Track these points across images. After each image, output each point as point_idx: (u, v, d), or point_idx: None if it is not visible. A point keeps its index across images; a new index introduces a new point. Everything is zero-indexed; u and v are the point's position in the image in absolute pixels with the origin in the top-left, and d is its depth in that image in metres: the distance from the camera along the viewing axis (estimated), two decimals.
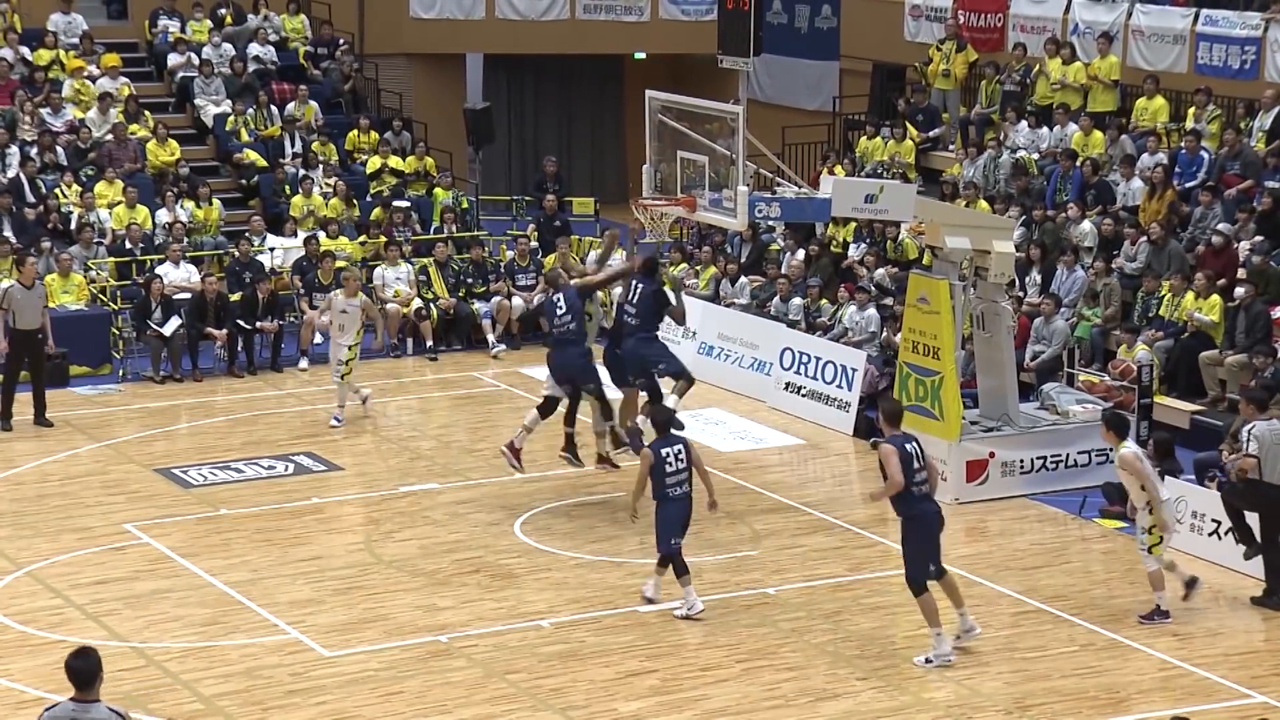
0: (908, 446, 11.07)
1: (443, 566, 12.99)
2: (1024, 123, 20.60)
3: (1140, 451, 11.93)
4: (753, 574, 12.87)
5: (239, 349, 18.69)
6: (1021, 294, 17.66)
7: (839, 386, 16.87)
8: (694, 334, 18.86)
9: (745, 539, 13.62)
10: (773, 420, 17.05)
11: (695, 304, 19.31)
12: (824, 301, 18.37)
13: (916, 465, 11.01)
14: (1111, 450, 12.27)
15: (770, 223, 19.56)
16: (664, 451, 11.72)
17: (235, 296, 18.87)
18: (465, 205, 22.30)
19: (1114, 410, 12.90)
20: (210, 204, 21.07)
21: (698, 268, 20.08)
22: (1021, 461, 14.72)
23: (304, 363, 18.95)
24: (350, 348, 16.33)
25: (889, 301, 17.99)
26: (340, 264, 19.78)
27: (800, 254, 19.53)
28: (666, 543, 11.86)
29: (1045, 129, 20.43)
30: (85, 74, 22.72)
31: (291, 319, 19.40)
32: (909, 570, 11.12)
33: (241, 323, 18.49)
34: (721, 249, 20.40)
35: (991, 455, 14.63)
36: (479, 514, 14.19)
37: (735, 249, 20.36)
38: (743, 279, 19.39)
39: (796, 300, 18.43)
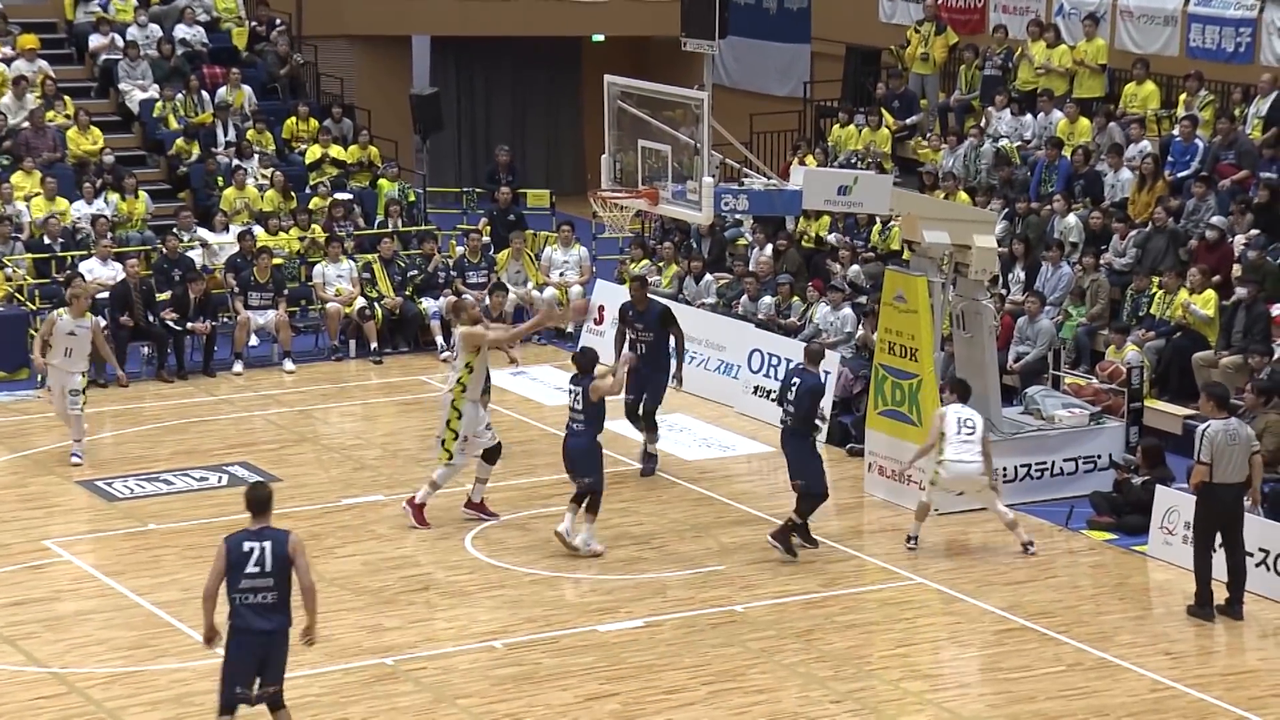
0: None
1: (389, 584, 12.96)
2: (1006, 110, 20.74)
3: (958, 415, 13.59)
4: (720, 590, 12.89)
5: (168, 351, 18.60)
6: (1004, 291, 17.77)
7: None
8: None
9: (712, 553, 13.64)
10: (741, 426, 17.09)
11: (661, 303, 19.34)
12: (795, 299, 18.43)
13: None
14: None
15: (738, 216, 19.61)
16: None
17: (164, 296, 18.77)
18: (412, 198, 22.26)
19: (959, 378, 14.22)
20: (136, 196, 20.96)
21: (660, 264, 20.11)
22: (1004, 470, 14.80)
23: (239, 366, 18.88)
24: (83, 374, 15.40)
25: (864, 300, 18.06)
26: (277, 261, 19.71)
27: (768, 249, 19.60)
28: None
29: (1029, 116, 20.56)
30: None
31: (225, 319, 19.31)
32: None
33: (171, 323, 18.38)
34: (685, 245, 20.43)
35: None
36: (427, 528, 14.16)
37: (697, 244, 20.40)
38: (708, 276, 19.43)
39: (766, 299, 18.49)
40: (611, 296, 19.96)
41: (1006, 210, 18.96)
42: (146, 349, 18.66)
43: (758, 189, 14.12)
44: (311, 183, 22.27)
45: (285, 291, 19.39)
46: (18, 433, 16.57)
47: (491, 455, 14.08)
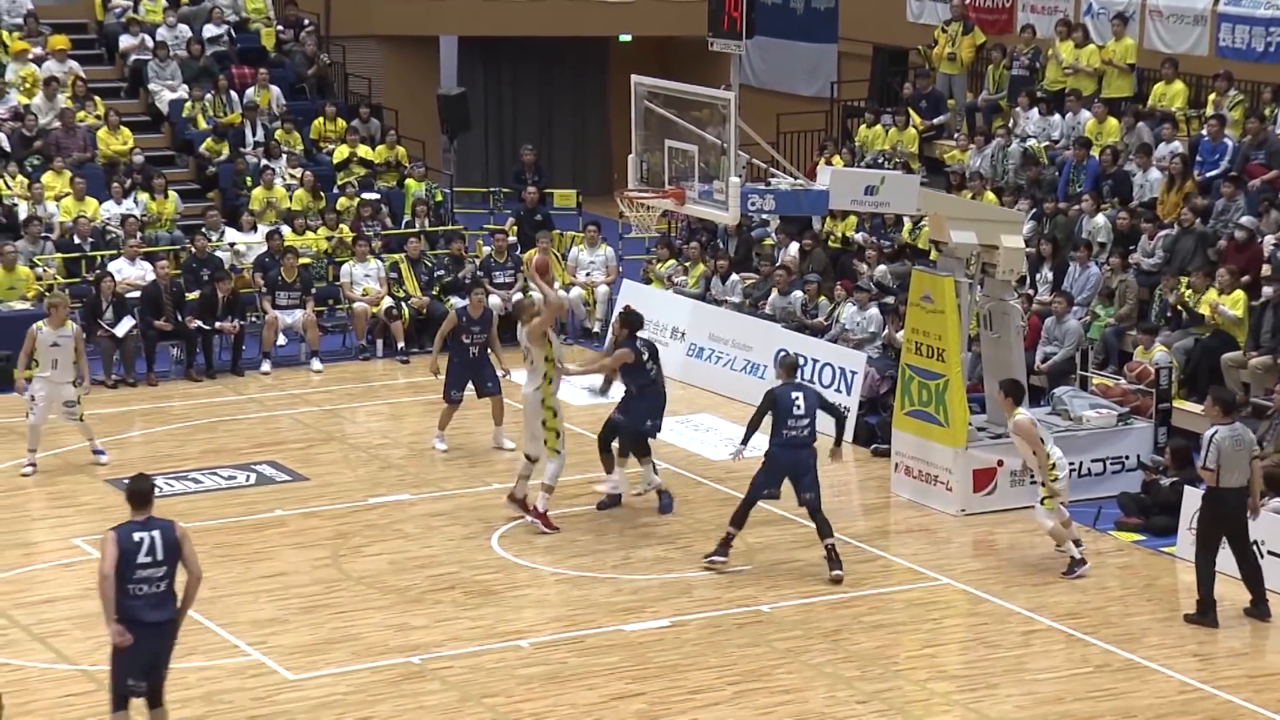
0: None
1: (415, 583, 13.00)
2: (1034, 109, 20.68)
3: (1034, 418, 13.00)
4: (746, 590, 12.89)
5: (197, 351, 18.69)
6: (1031, 292, 17.72)
7: (837, 390, 16.90)
8: (683, 335, 18.90)
9: (738, 553, 13.62)
10: (767, 425, 17.06)
11: (684, 303, 19.40)
12: (821, 299, 18.42)
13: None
14: (1007, 418, 13.24)
15: (764, 216, 19.61)
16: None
17: (192, 296, 18.86)
18: (439, 198, 22.31)
19: (1011, 379, 13.81)
20: (165, 196, 21.06)
21: (686, 264, 20.12)
22: (1032, 470, 14.74)
23: (267, 365, 18.94)
24: (75, 383, 15.14)
25: (890, 300, 18.04)
26: (304, 261, 19.79)
27: (793, 249, 19.58)
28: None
29: (1057, 116, 20.50)
30: (30, 57, 22.68)
31: (253, 319, 19.39)
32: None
33: (200, 323, 18.48)
34: (711, 245, 20.44)
35: (1000, 464, 14.67)
36: (454, 527, 14.20)
37: (724, 244, 20.41)
38: (734, 276, 19.44)
39: (797, 294, 18.46)
40: (637, 297, 19.96)
41: (1034, 210, 18.91)
42: (176, 349, 18.75)
43: (784, 189, 14.13)
44: (339, 183, 22.34)
45: (313, 291, 19.46)
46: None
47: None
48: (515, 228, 21.44)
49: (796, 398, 13.04)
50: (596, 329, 20.45)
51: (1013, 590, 12.91)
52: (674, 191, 14.07)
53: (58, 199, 20.72)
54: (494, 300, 19.59)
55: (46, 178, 20.95)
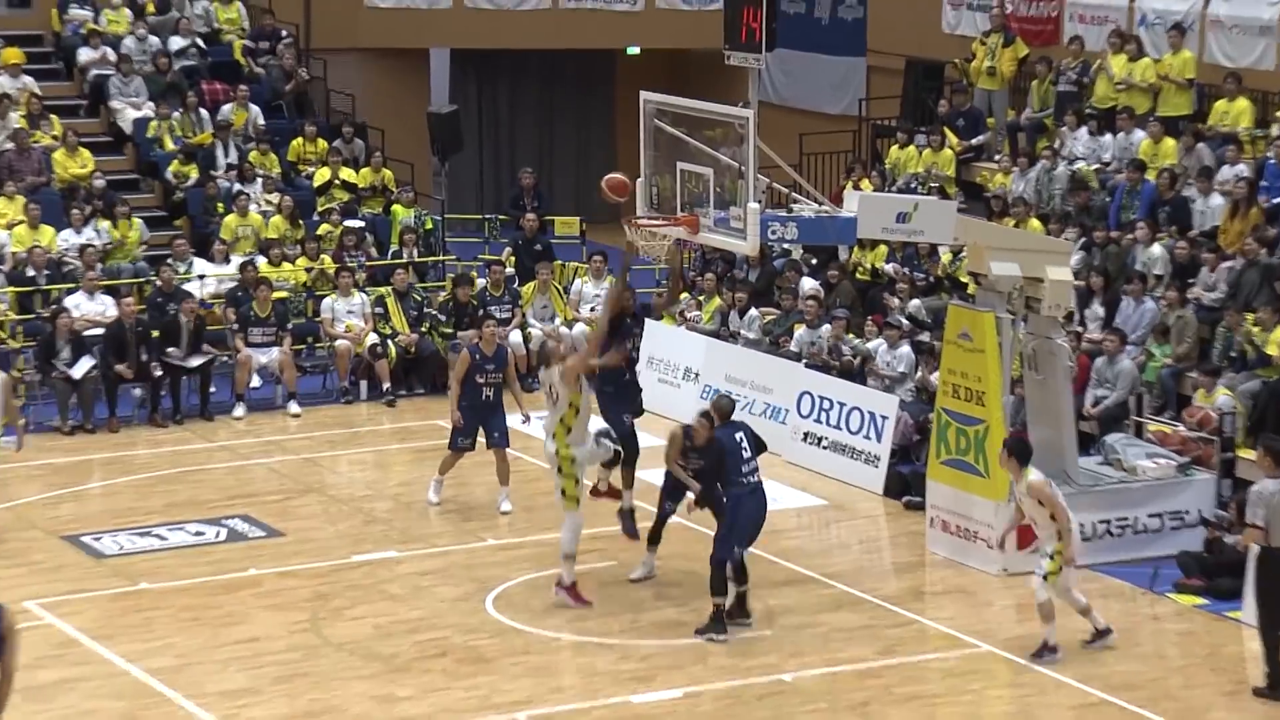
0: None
1: (402, 649, 12.99)
2: (1083, 129, 20.76)
3: (1047, 478, 12.76)
4: (766, 657, 12.88)
5: (162, 394, 18.73)
6: (1080, 329, 17.76)
7: (866, 437, 16.92)
8: (696, 376, 18.94)
9: (756, 616, 13.62)
10: (789, 477, 17.09)
11: (698, 341, 19.45)
12: (850, 335, 18.46)
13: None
14: (1015, 482, 12.95)
15: (786, 245, 19.66)
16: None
17: (157, 333, 18.90)
18: (429, 226, 22.41)
19: (1017, 436, 13.55)
20: (129, 223, 21.15)
21: (700, 298, 20.18)
22: (1082, 526, 14.72)
23: (240, 409, 18.99)
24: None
25: (925, 338, 18.08)
26: (280, 294, 19.85)
27: (807, 284, 19.55)
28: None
29: (1108, 136, 20.58)
30: None
31: (225, 358, 19.45)
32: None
33: (167, 358, 18.43)
34: (728, 277, 20.50)
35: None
36: (445, 587, 14.20)
37: (746, 275, 20.46)
38: (752, 311, 19.49)
39: (826, 328, 18.50)
40: (647, 334, 19.97)
41: (1083, 240, 18.96)
42: (139, 391, 18.79)
43: (808, 216, 14.17)
44: (320, 209, 22.46)
45: (289, 327, 19.53)
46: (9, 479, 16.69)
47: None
48: (513, 258, 21.53)
49: (741, 439, 13.09)
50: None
51: (1062, 659, 12.88)
52: (687, 219, 14.11)
53: (10, 227, 20.83)
54: (514, 337, 19.60)
55: None
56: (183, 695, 12.11)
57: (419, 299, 20.11)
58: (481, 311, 19.12)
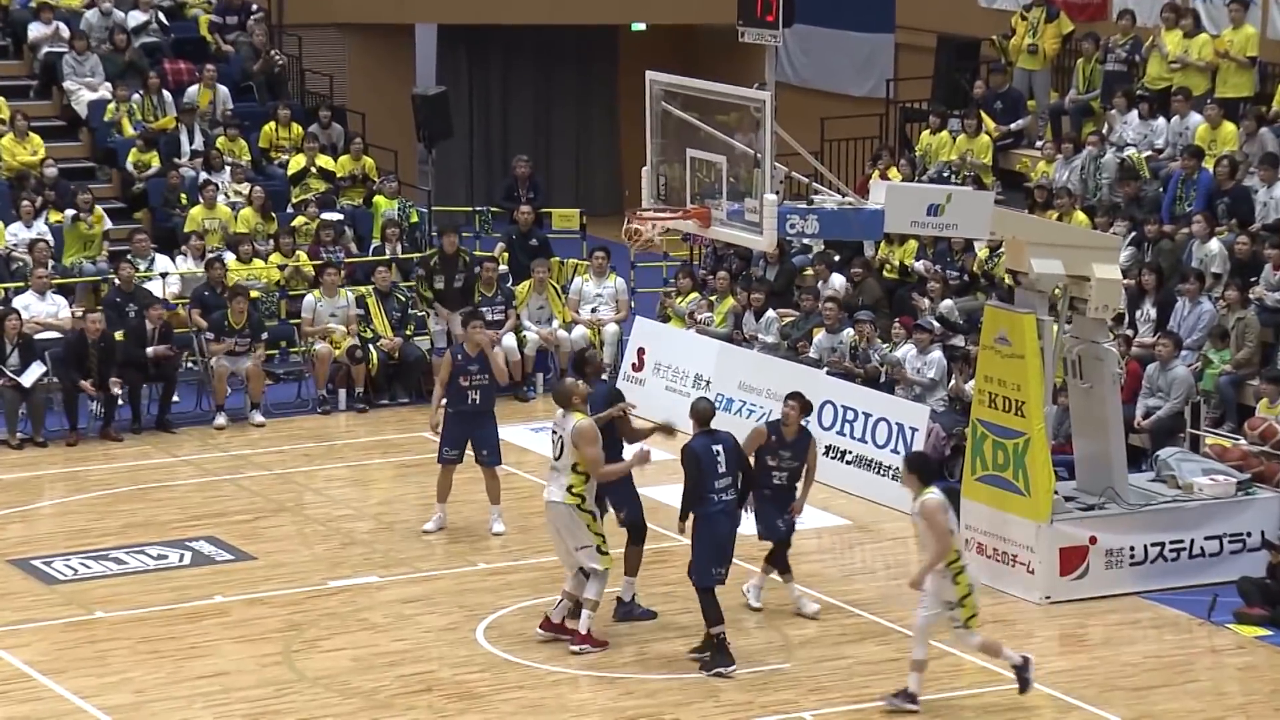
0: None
1: (384, 684, 13.00)
2: (1133, 112, 20.77)
3: (947, 502, 12.47)
4: (784, 693, 12.88)
5: (118, 403, 18.72)
6: (1130, 332, 17.76)
7: (894, 451, 16.91)
8: (708, 383, 18.95)
9: (774, 647, 13.62)
10: (810, 494, 17.08)
11: (709, 345, 19.46)
12: (876, 339, 18.46)
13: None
14: (912, 498, 12.67)
15: (805, 240, 19.67)
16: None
17: (119, 336, 18.92)
18: (414, 219, 22.44)
19: (918, 453, 13.45)
20: (92, 213, 21.09)
21: (712, 298, 20.20)
22: (1131, 549, 14.74)
23: (221, 419, 19.00)
24: None
25: (959, 341, 18.07)
26: (253, 294, 19.86)
27: (835, 281, 19.60)
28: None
29: (1161, 120, 20.59)
30: None
31: (189, 364, 19.47)
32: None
33: (116, 391, 18.32)
34: (742, 275, 20.51)
35: (1093, 541, 14.66)
36: (431, 616, 14.21)
37: (763, 272, 20.48)
38: (770, 313, 19.50)
39: (848, 332, 18.51)
40: (652, 337, 20.09)
41: (1133, 234, 18.96)
42: (95, 403, 18.76)
43: (830, 208, 14.15)
44: (294, 200, 22.49)
45: (264, 336, 19.50)
46: None
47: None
48: (506, 255, 21.56)
49: (717, 451, 13.07)
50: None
51: (1109, 695, 12.88)
52: (697, 211, 14.12)
53: None
54: (508, 341, 19.52)
55: None
56: None
57: (403, 299, 20.15)
58: (473, 301, 19.21)
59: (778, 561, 14.19)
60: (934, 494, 12.41)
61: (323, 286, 19.91)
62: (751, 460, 13.73)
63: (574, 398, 13.45)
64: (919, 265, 20.06)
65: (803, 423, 14.12)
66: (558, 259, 21.72)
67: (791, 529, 14.12)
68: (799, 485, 14.09)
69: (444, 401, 15.64)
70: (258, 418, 19.15)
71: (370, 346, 19.77)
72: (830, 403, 17.67)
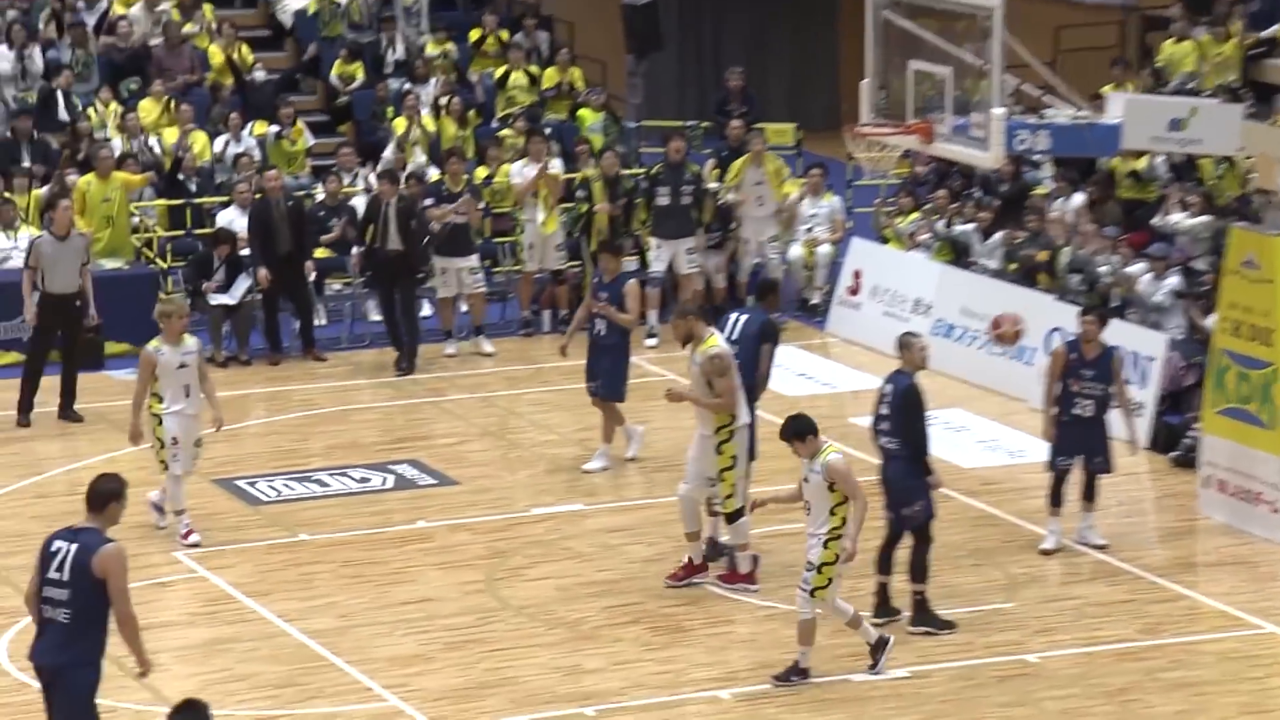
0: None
1: (588, 615, 13.11)
2: None
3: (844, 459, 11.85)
4: (1007, 635, 12.77)
5: (320, 323, 19.10)
6: None
7: (1128, 382, 16.58)
8: (928, 309, 18.75)
9: (997, 587, 13.51)
10: (1035, 425, 16.79)
11: (930, 269, 19.23)
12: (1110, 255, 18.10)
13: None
14: (807, 461, 11.90)
15: (1037, 157, 19.33)
16: None
17: (322, 253, 19.16)
18: (616, 132, 22.37)
19: (796, 415, 12.21)
20: (295, 127, 21.39)
21: (935, 218, 19.93)
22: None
23: (451, 347, 19.03)
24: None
25: (1201, 264, 17.67)
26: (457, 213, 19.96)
27: (1076, 199, 19.27)
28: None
29: None
30: None
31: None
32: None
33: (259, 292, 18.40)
34: (966, 194, 20.22)
35: None
36: (637, 546, 14.28)
37: (986, 192, 20.17)
38: (996, 235, 19.21)
39: (1081, 253, 18.17)
40: (869, 259, 19.89)
41: None
42: (297, 321, 19.00)
43: (1063, 122, 13.98)
44: (499, 113, 22.59)
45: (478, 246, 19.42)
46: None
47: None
48: (716, 172, 21.45)
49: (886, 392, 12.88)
50: (816, 300, 20.37)
51: None
52: (920, 126, 13.99)
53: (158, 132, 21.22)
54: (795, 253, 19.48)
55: (144, 105, 21.48)
56: (346, 661, 12.37)
57: (629, 186, 19.77)
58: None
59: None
60: (836, 455, 11.83)
61: (529, 154, 19.45)
62: (1057, 387, 13.79)
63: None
64: (1158, 184, 19.59)
65: (1103, 340, 13.87)
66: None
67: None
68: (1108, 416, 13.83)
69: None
70: (486, 345, 19.10)
71: (583, 242, 19.41)
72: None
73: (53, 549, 9.50)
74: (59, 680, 9.55)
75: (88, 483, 9.70)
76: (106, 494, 9.58)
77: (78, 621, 9.45)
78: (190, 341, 14.31)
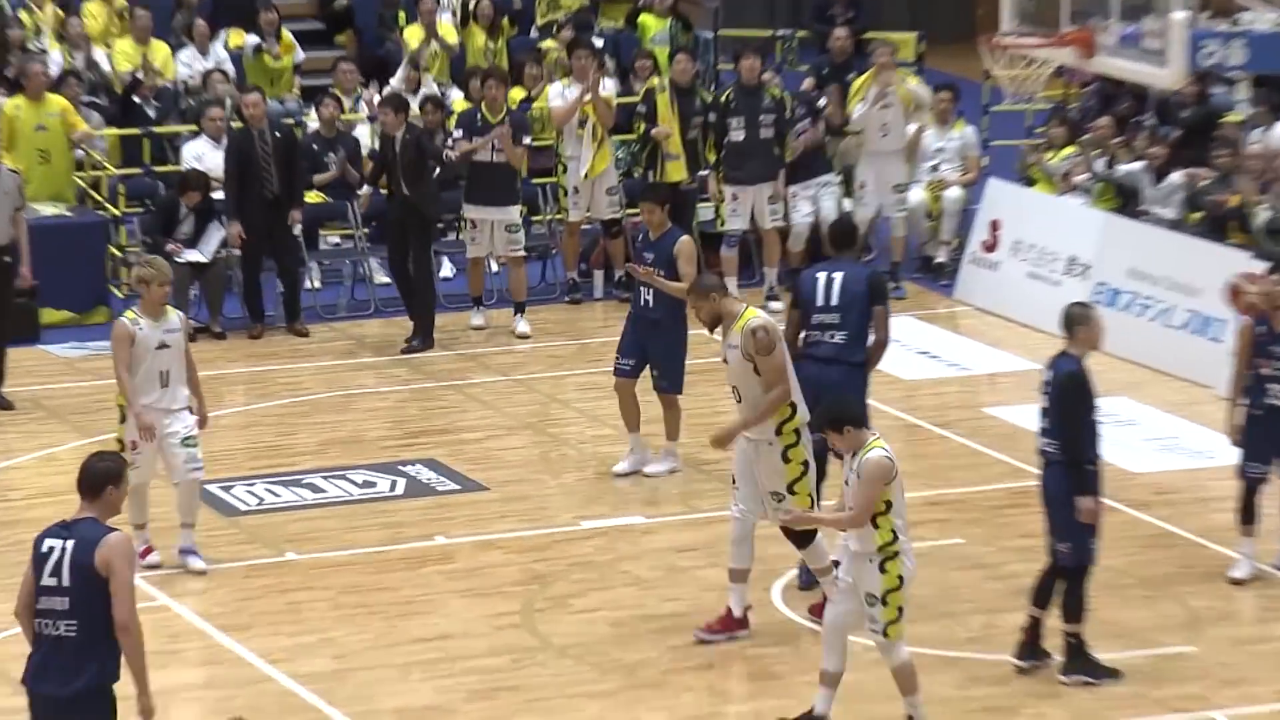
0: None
1: (651, 657, 13.12)
2: None
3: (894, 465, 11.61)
4: (1189, 686, 12.76)
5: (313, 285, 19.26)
6: None
7: None
8: (1086, 269, 18.71)
9: (1175, 624, 13.52)
10: (1223, 418, 16.79)
11: (1090, 218, 19.17)
12: None
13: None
14: (849, 459, 11.70)
15: (1229, 75, 19.25)
16: None
17: (315, 197, 19.25)
18: (687, 41, 22.43)
19: (841, 400, 12.14)
20: (279, 41, 21.46)
21: (1094, 153, 19.88)
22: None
23: (479, 318, 19.13)
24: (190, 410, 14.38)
25: None
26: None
27: (1278, 130, 19.21)
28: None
29: None
30: None
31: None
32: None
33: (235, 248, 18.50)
34: (1134, 124, 20.17)
35: None
36: (711, 570, 14.29)
37: (1162, 120, 20.14)
38: (1173, 175, 19.15)
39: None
40: (1011, 205, 19.83)
41: None
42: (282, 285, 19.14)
43: (1263, 30, 13.89)
44: (540, 20, 22.63)
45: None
46: (90, 405, 17.20)
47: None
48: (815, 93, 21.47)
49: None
50: (943, 258, 20.33)
51: None
52: (1076, 35, 13.94)
53: (107, 44, 21.31)
54: (915, 197, 19.57)
55: (91, 8, 21.55)
56: (344, 713, 12.39)
57: (705, 99, 19.72)
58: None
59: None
60: (879, 451, 11.58)
61: (572, 75, 19.45)
62: (1248, 375, 13.76)
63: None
64: None
65: None
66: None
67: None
68: None
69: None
70: (522, 325, 19.07)
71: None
72: None
73: (44, 549, 9.57)
74: (71, 714, 9.54)
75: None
76: (102, 476, 9.63)
77: (86, 635, 9.49)
78: (174, 316, 14.18)
